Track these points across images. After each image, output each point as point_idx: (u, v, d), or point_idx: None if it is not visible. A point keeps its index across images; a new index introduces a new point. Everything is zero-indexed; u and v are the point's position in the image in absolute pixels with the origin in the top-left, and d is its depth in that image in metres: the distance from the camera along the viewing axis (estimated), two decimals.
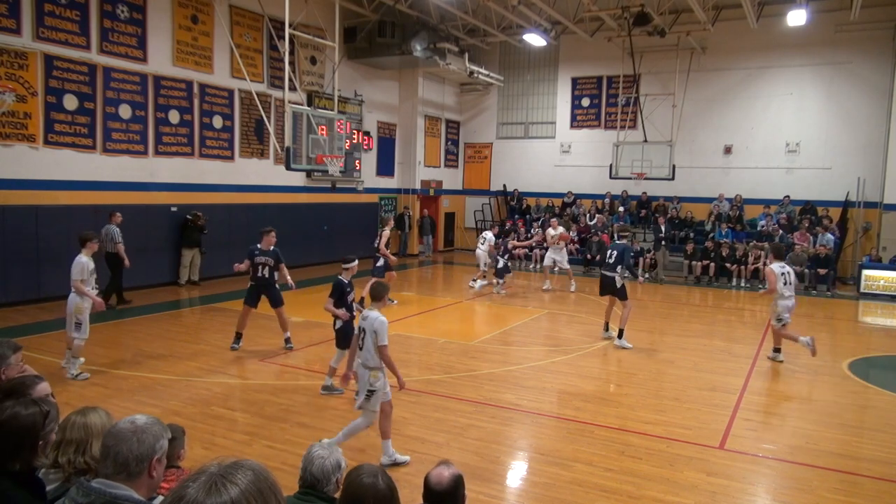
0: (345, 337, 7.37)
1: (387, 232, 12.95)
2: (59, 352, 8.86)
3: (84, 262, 7.83)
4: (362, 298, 11.48)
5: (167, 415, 6.51)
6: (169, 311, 12.19)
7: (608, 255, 10.48)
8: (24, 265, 11.81)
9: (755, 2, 17.77)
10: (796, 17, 16.54)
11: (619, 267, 10.28)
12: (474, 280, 15.57)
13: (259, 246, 9.26)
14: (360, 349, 5.59)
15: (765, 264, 16.80)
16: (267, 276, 9.28)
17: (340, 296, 7.48)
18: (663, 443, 6.31)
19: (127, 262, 11.95)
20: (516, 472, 5.82)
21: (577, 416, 7.06)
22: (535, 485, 5.47)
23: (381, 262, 12.66)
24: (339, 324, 7.50)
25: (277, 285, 9.45)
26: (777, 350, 9.68)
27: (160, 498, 2.25)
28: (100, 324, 10.79)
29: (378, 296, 5.71)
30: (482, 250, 15.72)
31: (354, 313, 7.53)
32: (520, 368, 8.90)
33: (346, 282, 7.61)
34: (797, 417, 7.22)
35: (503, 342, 10.50)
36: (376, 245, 12.81)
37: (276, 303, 9.32)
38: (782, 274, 9.40)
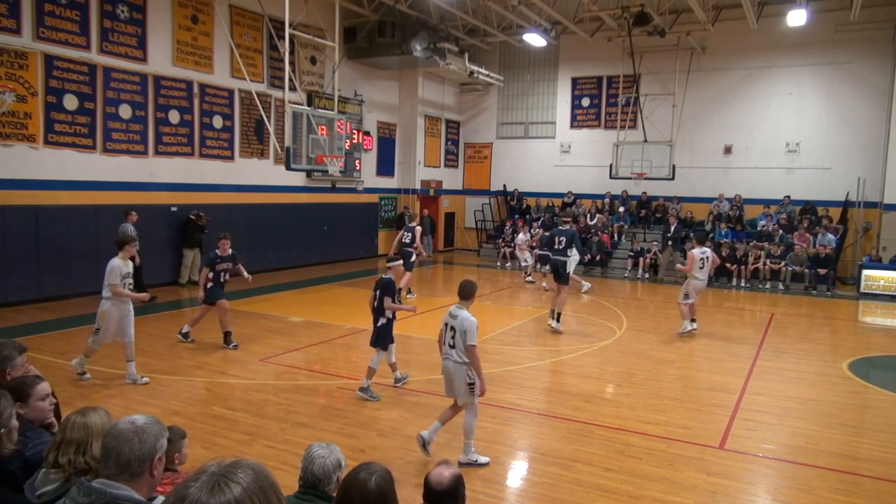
0: (382, 337, 7.44)
1: (419, 228, 13.86)
2: (59, 351, 8.87)
3: (118, 265, 7.63)
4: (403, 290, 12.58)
5: (167, 415, 6.52)
6: (169, 311, 12.19)
7: (557, 242, 11.15)
8: (24, 265, 11.81)
9: (755, 2, 17.76)
10: (796, 18, 16.54)
11: (569, 251, 11.08)
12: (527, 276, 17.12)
13: (218, 252, 9.54)
14: (451, 347, 5.62)
15: (760, 257, 16.93)
16: (227, 279, 9.72)
17: (393, 293, 7.55)
18: (663, 443, 6.31)
19: (137, 259, 12.05)
20: (516, 472, 5.81)
21: (577, 416, 7.06)
22: (536, 485, 5.47)
23: (413, 257, 13.53)
24: (382, 322, 7.45)
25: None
26: (692, 321, 11.02)
27: (161, 498, 2.25)
28: None
29: (469, 294, 5.73)
30: (517, 250, 17.94)
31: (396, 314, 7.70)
32: (520, 368, 8.90)
33: (394, 280, 7.69)
34: (797, 417, 7.22)
35: (503, 342, 10.49)
36: (409, 241, 13.57)
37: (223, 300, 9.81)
38: (701, 258, 10.72)
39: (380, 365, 7.49)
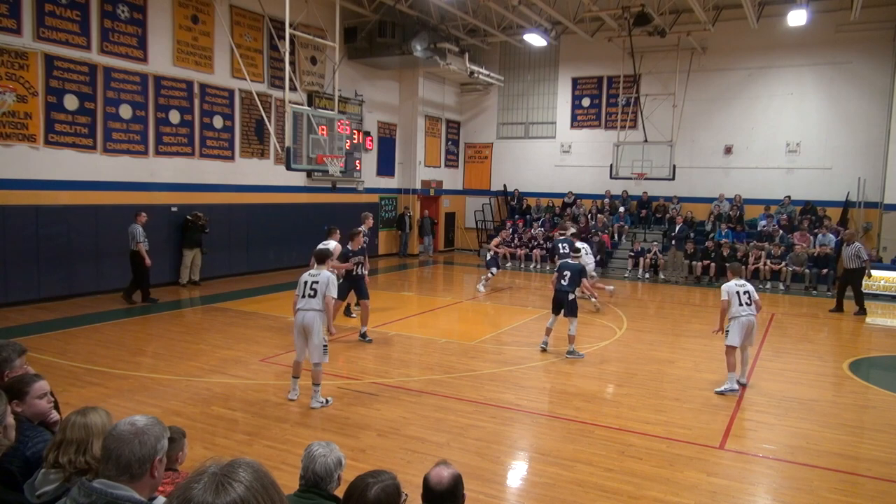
0: (575, 308, 9.48)
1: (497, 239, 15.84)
2: (59, 352, 8.87)
3: (333, 277, 7.22)
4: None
5: (167, 415, 6.52)
6: (169, 311, 12.19)
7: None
8: (24, 265, 11.81)
9: (755, 2, 17.76)
10: (796, 18, 16.54)
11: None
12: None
13: (350, 247, 10.22)
14: (740, 305, 7.96)
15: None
16: (360, 272, 10.31)
17: (585, 277, 10.00)
18: (663, 443, 6.31)
19: (147, 261, 12.41)
20: (516, 472, 5.81)
21: (578, 416, 7.06)
22: (536, 485, 5.47)
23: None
24: (571, 297, 9.46)
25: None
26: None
27: (162, 499, 2.25)
28: (100, 324, 10.82)
29: (740, 272, 8.45)
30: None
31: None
32: (520, 368, 8.90)
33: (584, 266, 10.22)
34: (797, 417, 7.22)
35: (503, 342, 10.49)
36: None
37: (365, 295, 10.35)
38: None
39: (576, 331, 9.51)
